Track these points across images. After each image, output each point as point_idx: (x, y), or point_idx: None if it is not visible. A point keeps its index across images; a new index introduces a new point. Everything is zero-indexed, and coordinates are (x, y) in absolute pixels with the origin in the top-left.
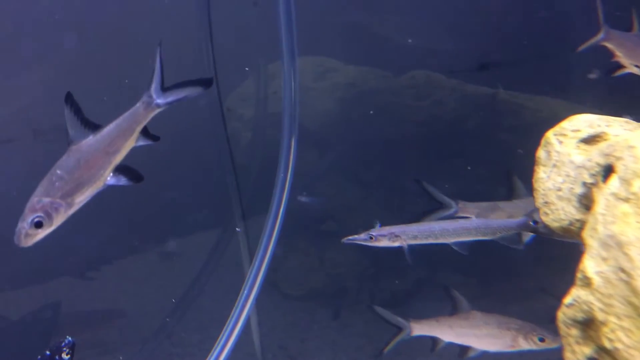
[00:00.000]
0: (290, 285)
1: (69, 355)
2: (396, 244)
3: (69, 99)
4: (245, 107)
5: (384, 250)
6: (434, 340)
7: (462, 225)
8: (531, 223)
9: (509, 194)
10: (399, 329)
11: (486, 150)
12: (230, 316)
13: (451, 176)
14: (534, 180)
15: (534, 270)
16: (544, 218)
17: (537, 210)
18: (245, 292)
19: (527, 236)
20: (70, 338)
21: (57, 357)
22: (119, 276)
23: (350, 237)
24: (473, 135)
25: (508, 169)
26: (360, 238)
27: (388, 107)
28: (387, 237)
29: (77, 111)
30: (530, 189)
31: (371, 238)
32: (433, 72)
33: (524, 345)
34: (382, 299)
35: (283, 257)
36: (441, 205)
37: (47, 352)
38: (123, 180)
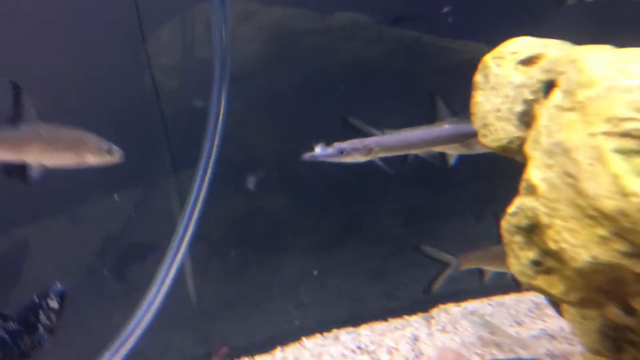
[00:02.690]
0: (219, 236)
1: (58, 304)
2: (367, 158)
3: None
4: (165, 55)
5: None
6: (482, 272)
7: (436, 132)
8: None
9: (433, 117)
10: (446, 265)
11: (414, 91)
12: (163, 264)
13: (379, 115)
14: (471, 105)
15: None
16: (482, 140)
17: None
18: (177, 242)
19: (453, 157)
20: (60, 285)
21: (44, 303)
22: (37, 234)
23: (312, 153)
24: (400, 77)
25: (431, 92)
26: (326, 153)
27: (317, 49)
28: (360, 150)
29: None
30: (452, 112)
31: (342, 153)
32: (360, 14)
33: None
34: (314, 241)
35: (211, 208)
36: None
37: (35, 298)
38: None
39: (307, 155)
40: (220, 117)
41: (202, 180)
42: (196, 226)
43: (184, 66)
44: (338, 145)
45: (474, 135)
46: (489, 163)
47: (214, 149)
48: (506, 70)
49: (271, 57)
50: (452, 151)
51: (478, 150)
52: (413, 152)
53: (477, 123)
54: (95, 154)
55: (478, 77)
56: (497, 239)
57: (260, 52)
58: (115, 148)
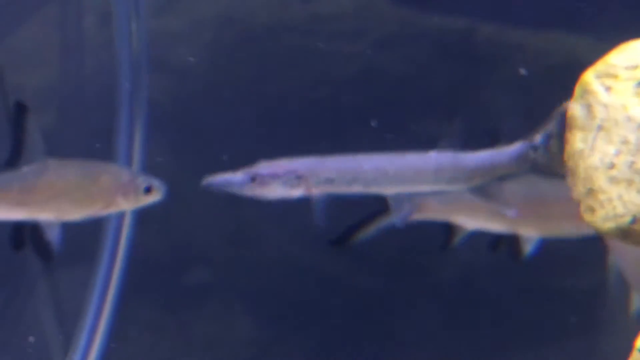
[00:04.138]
0: None
1: None
2: (297, 193)
3: None
4: (29, 70)
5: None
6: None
7: (415, 163)
8: (532, 153)
9: None
10: None
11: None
12: None
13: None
14: (566, 156)
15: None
16: (588, 217)
17: (543, 126)
18: None
19: (531, 243)
20: None
21: None
22: None
23: (215, 179)
24: (441, 101)
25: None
26: (233, 181)
27: (293, 56)
28: (282, 179)
29: None
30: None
31: (253, 180)
32: None
33: None
34: None
35: (113, 341)
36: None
37: None
38: None
39: (206, 181)
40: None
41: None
42: None
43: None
44: (251, 169)
45: (488, 171)
46: None
47: None
48: (622, 99)
49: (213, 73)
50: (532, 232)
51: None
52: (379, 192)
53: (578, 187)
54: (129, 196)
55: (575, 109)
56: None
57: (193, 66)
58: (155, 184)
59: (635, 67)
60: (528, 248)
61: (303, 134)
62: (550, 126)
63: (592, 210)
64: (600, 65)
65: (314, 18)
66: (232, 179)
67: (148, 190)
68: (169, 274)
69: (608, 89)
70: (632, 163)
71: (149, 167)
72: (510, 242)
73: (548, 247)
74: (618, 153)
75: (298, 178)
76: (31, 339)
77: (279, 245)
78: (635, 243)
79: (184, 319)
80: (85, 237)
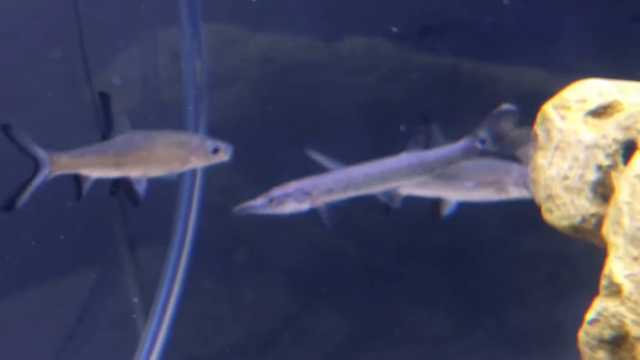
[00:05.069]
0: (195, 343)
1: None
2: (306, 205)
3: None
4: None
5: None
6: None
7: (390, 165)
8: (478, 144)
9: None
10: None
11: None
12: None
13: None
14: (530, 170)
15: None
16: (547, 217)
17: (488, 123)
18: (143, 356)
19: (449, 206)
20: None
21: None
22: None
23: (242, 206)
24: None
25: (423, 113)
26: (256, 205)
27: (318, 86)
28: (292, 196)
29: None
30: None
31: (271, 201)
32: (373, 37)
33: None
34: (323, 349)
35: (183, 304)
36: None
37: None
38: None
39: (237, 209)
40: (197, 184)
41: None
42: None
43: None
44: (268, 193)
45: (444, 162)
46: None
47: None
48: (573, 125)
49: (258, 99)
50: (482, 197)
51: (515, 194)
52: (369, 192)
53: (539, 193)
54: (200, 156)
55: (539, 133)
56: None
57: (243, 94)
58: (223, 146)
59: (583, 101)
60: (447, 210)
61: (328, 142)
62: (489, 123)
63: (550, 211)
64: (556, 99)
65: (335, 57)
66: (256, 204)
67: (215, 151)
68: (224, 253)
69: (563, 117)
70: (582, 175)
71: (210, 170)
72: (433, 205)
73: None
74: (571, 167)
75: (305, 194)
76: (135, 299)
77: (308, 232)
78: (585, 238)
79: (235, 287)
80: (162, 223)
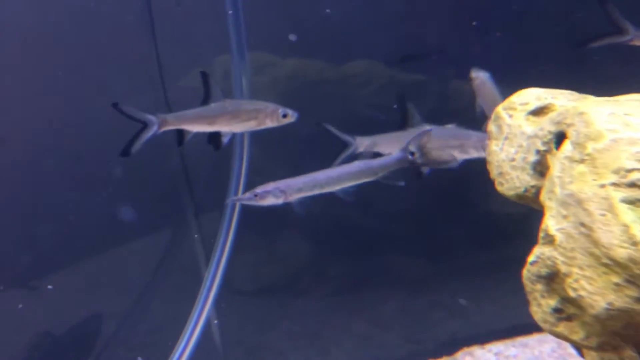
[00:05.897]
0: (242, 282)
1: None
2: (281, 200)
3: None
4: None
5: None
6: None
7: (345, 170)
8: (409, 156)
9: (404, 123)
10: (346, 145)
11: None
12: (191, 315)
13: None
14: (487, 154)
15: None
16: (499, 188)
17: (414, 140)
18: (205, 292)
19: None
20: None
21: None
22: (64, 284)
23: (233, 197)
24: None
25: (399, 94)
26: (244, 197)
27: (330, 97)
28: (271, 193)
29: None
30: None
31: (256, 196)
32: (370, 61)
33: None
34: (332, 287)
35: (233, 254)
36: (344, 145)
37: None
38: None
39: (229, 199)
40: (244, 165)
41: (227, 230)
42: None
43: None
44: (254, 190)
45: (384, 168)
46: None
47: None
48: (518, 121)
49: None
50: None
51: (474, 154)
52: (330, 190)
53: (493, 172)
54: (273, 119)
55: (492, 127)
56: None
57: (275, 102)
58: (290, 112)
59: (526, 104)
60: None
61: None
62: (417, 141)
63: (501, 184)
64: (506, 103)
65: (342, 75)
66: (244, 197)
67: (285, 116)
68: (262, 217)
69: (510, 116)
70: (525, 158)
71: (252, 161)
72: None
73: None
74: (516, 152)
75: (281, 192)
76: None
77: (322, 206)
78: (527, 203)
79: (270, 246)
80: (218, 198)
